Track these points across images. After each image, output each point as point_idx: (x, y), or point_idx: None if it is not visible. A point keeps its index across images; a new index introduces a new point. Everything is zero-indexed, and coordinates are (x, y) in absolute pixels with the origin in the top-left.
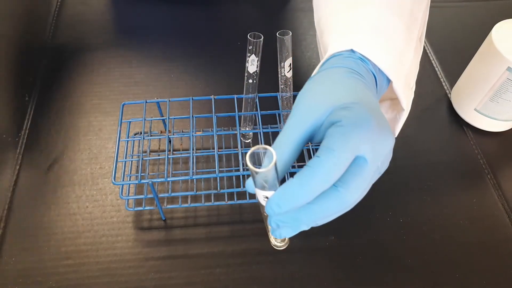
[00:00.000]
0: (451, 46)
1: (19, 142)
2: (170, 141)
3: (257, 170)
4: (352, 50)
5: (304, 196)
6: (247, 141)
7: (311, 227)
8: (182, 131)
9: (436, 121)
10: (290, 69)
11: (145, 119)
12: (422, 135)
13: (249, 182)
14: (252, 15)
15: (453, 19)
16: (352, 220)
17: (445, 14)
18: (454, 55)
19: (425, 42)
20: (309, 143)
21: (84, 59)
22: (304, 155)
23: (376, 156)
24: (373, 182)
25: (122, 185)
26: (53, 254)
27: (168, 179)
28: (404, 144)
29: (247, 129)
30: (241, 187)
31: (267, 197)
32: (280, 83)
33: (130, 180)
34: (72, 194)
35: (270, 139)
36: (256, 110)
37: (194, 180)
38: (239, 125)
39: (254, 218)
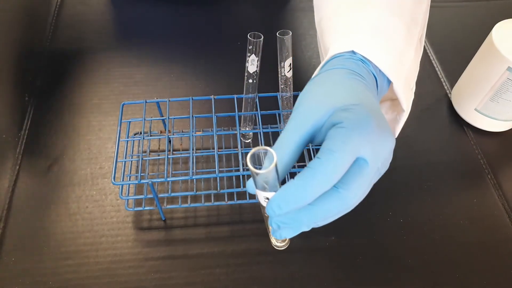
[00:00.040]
0: (451, 46)
1: (19, 142)
2: (170, 141)
3: (257, 171)
4: (353, 52)
5: (305, 197)
6: (247, 141)
7: (311, 228)
8: (182, 131)
9: (436, 121)
10: (290, 69)
11: (145, 119)
12: (422, 135)
13: (250, 183)
14: (252, 15)
15: (453, 19)
16: (352, 220)
17: (446, 14)
18: (455, 55)
19: (425, 42)
20: (310, 143)
21: (84, 59)
22: (304, 155)
23: (376, 157)
24: (373, 183)
25: (122, 185)
26: (53, 254)
27: (168, 179)
28: (404, 144)
29: (247, 129)
30: (241, 187)
31: (267, 198)
32: (280, 83)
33: (130, 180)
34: (72, 194)
35: (270, 139)
36: (256, 110)
37: (194, 180)
38: (239, 125)
39: (254, 218)
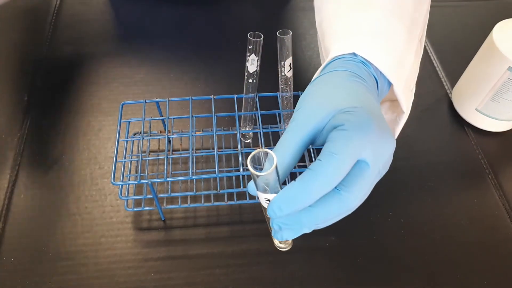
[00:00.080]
0: (452, 46)
1: (18, 142)
2: (169, 141)
3: (258, 173)
4: (354, 54)
5: (306, 199)
6: (247, 141)
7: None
8: (182, 131)
9: (437, 121)
10: (290, 69)
11: (144, 119)
12: (423, 135)
13: (251, 185)
14: (252, 15)
15: (454, 18)
16: (352, 220)
17: (446, 13)
18: (455, 55)
19: (426, 41)
20: (310, 145)
21: (83, 59)
22: (304, 156)
23: (377, 159)
24: (374, 185)
25: (122, 185)
26: (53, 254)
27: (168, 179)
28: (404, 144)
29: (247, 129)
30: (241, 187)
31: (268, 200)
32: (280, 82)
33: (129, 180)
34: (71, 194)
35: (270, 139)
36: (256, 110)
37: (194, 180)
38: (239, 125)
39: (254, 218)
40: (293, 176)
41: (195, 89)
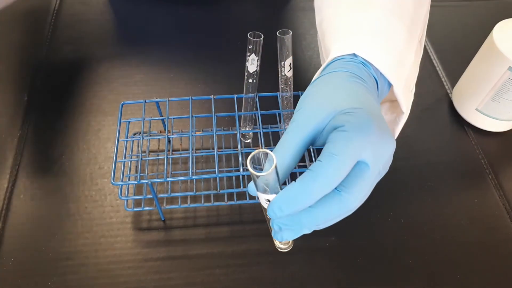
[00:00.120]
0: (452, 46)
1: (18, 143)
2: (169, 141)
3: (257, 174)
4: (354, 54)
5: (306, 199)
6: (247, 141)
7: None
8: (182, 131)
9: (437, 121)
10: (290, 69)
11: (144, 119)
12: (423, 135)
13: (251, 185)
14: (252, 15)
15: (454, 18)
16: (352, 220)
17: (446, 13)
18: (455, 55)
19: (426, 41)
20: (311, 146)
21: (83, 59)
22: (305, 156)
23: (377, 161)
24: (374, 186)
25: (121, 185)
26: (53, 254)
27: (168, 180)
28: (404, 144)
29: (247, 129)
30: (241, 187)
31: (269, 200)
32: (280, 82)
33: (129, 180)
34: (71, 194)
35: (270, 139)
36: (256, 110)
37: (194, 180)
38: (239, 125)
39: (254, 218)
40: (293, 176)
41: (195, 89)
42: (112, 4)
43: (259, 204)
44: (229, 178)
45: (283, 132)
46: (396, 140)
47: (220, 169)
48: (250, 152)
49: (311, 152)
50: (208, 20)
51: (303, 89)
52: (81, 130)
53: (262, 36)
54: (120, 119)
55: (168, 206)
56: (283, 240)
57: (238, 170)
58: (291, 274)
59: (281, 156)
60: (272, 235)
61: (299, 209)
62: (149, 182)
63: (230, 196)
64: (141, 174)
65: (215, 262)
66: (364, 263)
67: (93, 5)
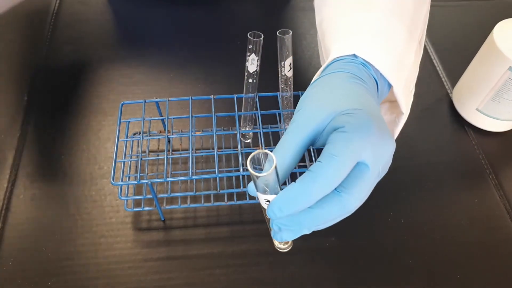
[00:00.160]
0: (452, 46)
1: (18, 143)
2: (169, 141)
3: (257, 174)
4: (354, 55)
5: (306, 200)
6: (247, 141)
7: (312, 231)
8: (182, 131)
9: (437, 121)
10: (290, 69)
11: (144, 119)
12: (423, 135)
13: (251, 186)
14: (252, 14)
15: (454, 18)
16: (352, 221)
17: (447, 13)
18: (456, 55)
19: (426, 41)
20: (311, 146)
21: (83, 58)
22: (305, 156)
23: (377, 161)
24: (373, 186)
25: (121, 185)
26: (52, 254)
27: (167, 180)
28: (404, 144)
29: (247, 129)
30: (241, 187)
31: (268, 201)
32: (280, 82)
33: (129, 180)
34: (71, 194)
35: (270, 139)
36: (256, 110)
37: (194, 180)
38: (239, 125)
39: (254, 218)
40: (293, 176)
41: (195, 89)
42: (111, 4)
43: (259, 204)
44: (229, 178)
45: (283, 132)
46: (396, 140)
47: (220, 169)
48: (250, 152)
49: (311, 152)
50: (208, 20)
51: (303, 89)
52: (81, 130)
53: (262, 36)
54: (120, 119)
55: (168, 206)
56: (282, 241)
57: (238, 170)
58: (291, 274)
59: (281, 157)
60: (272, 235)
61: (299, 209)
62: (149, 182)
63: (230, 196)
64: (141, 174)
65: (215, 262)
66: (364, 263)
67: (93, 5)
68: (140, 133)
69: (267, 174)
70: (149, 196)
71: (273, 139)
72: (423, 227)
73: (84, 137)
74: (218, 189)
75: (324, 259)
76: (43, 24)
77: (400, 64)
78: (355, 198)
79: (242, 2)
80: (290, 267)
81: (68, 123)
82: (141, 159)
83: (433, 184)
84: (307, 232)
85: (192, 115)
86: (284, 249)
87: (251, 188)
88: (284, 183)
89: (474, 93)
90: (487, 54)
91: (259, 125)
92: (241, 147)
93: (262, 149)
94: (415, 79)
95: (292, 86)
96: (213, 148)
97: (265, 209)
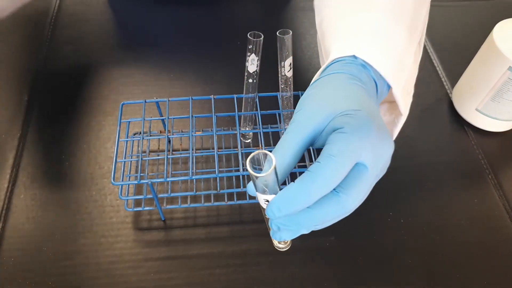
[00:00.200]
0: (452, 46)
1: (18, 143)
2: (169, 141)
3: (256, 174)
4: (354, 56)
5: (304, 200)
6: (247, 141)
7: (311, 231)
8: (182, 131)
9: (437, 121)
10: (290, 69)
11: (144, 119)
12: (423, 135)
13: (250, 186)
14: (252, 14)
15: (454, 18)
16: (352, 220)
17: (446, 13)
18: (455, 55)
19: (426, 41)
20: (310, 146)
21: (83, 59)
22: (304, 155)
23: (376, 162)
24: (372, 187)
25: (121, 185)
26: (53, 254)
27: (168, 180)
28: (404, 144)
29: (247, 129)
30: (241, 187)
31: (267, 201)
32: (280, 82)
33: (129, 180)
34: (71, 194)
35: (270, 139)
36: (256, 110)
37: (194, 180)
38: (239, 125)
39: (254, 218)
40: (293, 176)
41: (195, 89)
42: (111, 4)
43: (259, 204)
44: (229, 178)
45: (283, 132)
46: (396, 140)
47: (220, 169)
48: (250, 152)
49: (311, 152)
50: (208, 20)
51: (303, 89)
52: (81, 130)
53: (262, 36)
54: (120, 119)
55: (168, 206)
56: (281, 240)
57: (238, 170)
58: (291, 274)
59: (280, 157)
60: (271, 235)
61: (298, 209)
62: (149, 182)
63: (230, 196)
64: (141, 174)
65: (215, 262)
66: (364, 263)
67: (93, 5)
68: (140, 133)
69: (266, 175)
70: (150, 196)
71: (273, 139)
72: (423, 227)
73: (84, 137)
74: (218, 189)
75: (324, 259)
76: (43, 24)
77: (400, 65)
78: (353, 199)
79: (242, 2)
80: (290, 267)
81: (68, 123)
82: (142, 159)
83: (433, 184)
84: (306, 232)
85: (192, 115)
86: (283, 248)
87: (250, 188)
88: (284, 183)
89: (474, 93)
90: (486, 54)
91: (259, 125)
92: (241, 147)
93: (262, 149)
94: (414, 80)
95: (292, 86)
96: (213, 148)
97: (264, 209)
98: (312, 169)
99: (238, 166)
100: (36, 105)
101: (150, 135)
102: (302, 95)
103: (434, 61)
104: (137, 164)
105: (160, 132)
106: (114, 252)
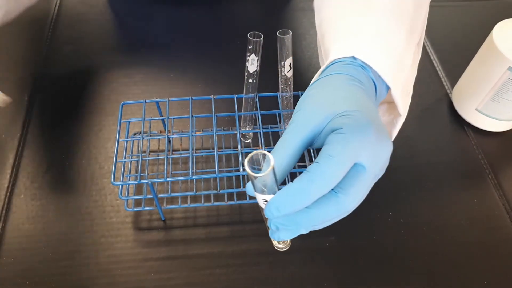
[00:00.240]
0: (452, 46)
1: (18, 142)
2: (169, 141)
3: (255, 175)
4: (353, 57)
5: (303, 200)
6: (247, 141)
7: (309, 231)
8: (182, 131)
9: (437, 121)
10: (290, 69)
11: (144, 119)
12: (423, 135)
13: (249, 186)
14: (252, 15)
15: (454, 18)
16: (352, 220)
17: (446, 13)
18: (455, 55)
19: (426, 41)
20: (309, 147)
21: (83, 59)
22: (304, 155)
23: (374, 163)
24: (370, 187)
25: (122, 185)
26: (53, 254)
27: (168, 179)
28: (404, 144)
29: (247, 129)
30: (241, 187)
31: (266, 201)
32: (280, 82)
33: (129, 180)
34: (71, 194)
35: (270, 139)
36: (256, 110)
37: (194, 180)
38: (239, 125)
39: (254, 218)
40: (293, 176)
41: (195, 89)
42: (111, 4)
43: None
44: (229, 178)
45: (283, 132)
46: (396, 140)
47: (220, 169)
48: (250, 152)
49: (311, 152)
50: (208, 20)
51: (303, 89)
52: (81, 130)
53: (262, 36)
54: (120, 119)
55: (168, 206)
56: (280, 240)
57: (238, 170)
58: (291, 274)
59: (279, 157)
60: (270, 235)
61: (296, 209)
62: (149, 182)
63: (230, 196)
64: (141, 174)
65: (215, 262)
66: (364, 263)
67: (93, 5)
68: (140, 133)
69: (265, 175)
70: (150, 196)
71: (273, 139)
72: (423, 227)
73: (84, 137)
74: (218, 189)
75: (324, 259)
76: (43, 24)
77: (399, 66)
78: (351, 199)
79: (242, 2)
80: (290, 267)
81: (68, 123)
82: (142, 159)
83: (433, 184)
84: (305, 232)
85: (192, 115)
86: (283, 248)
87: (249, 188)
88: (284, 183)
89: (474, 93)
90: (486, 54)
91: (259, 125)
92: (241, 147)
93: (262, 149)
94: (413, 81)
95: (292, 86)
96: (213, 148)
97: (263, 209)
98: (310, 169)
99: (238, 166)
100: (36, 105)
101: (150, 135)
102: (302, 95)
103: (434, 61)
104: (137, 164)
105: (160, 132)
106: (114, 252)
